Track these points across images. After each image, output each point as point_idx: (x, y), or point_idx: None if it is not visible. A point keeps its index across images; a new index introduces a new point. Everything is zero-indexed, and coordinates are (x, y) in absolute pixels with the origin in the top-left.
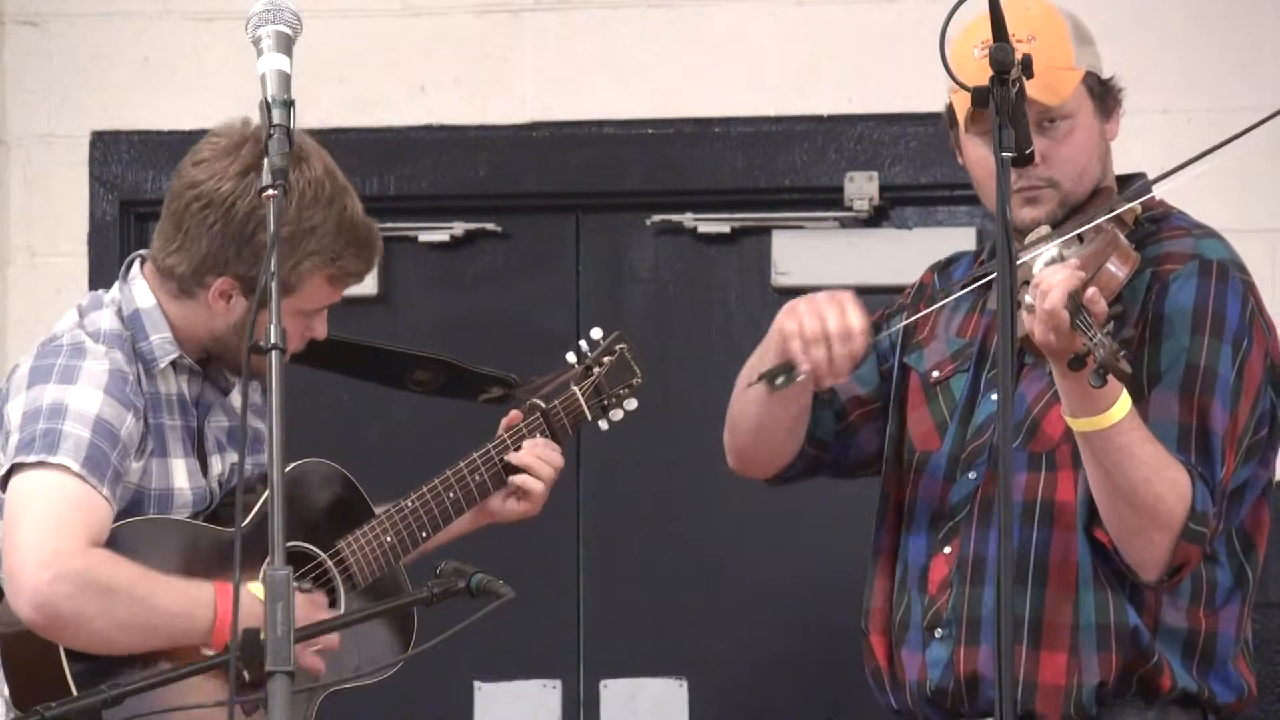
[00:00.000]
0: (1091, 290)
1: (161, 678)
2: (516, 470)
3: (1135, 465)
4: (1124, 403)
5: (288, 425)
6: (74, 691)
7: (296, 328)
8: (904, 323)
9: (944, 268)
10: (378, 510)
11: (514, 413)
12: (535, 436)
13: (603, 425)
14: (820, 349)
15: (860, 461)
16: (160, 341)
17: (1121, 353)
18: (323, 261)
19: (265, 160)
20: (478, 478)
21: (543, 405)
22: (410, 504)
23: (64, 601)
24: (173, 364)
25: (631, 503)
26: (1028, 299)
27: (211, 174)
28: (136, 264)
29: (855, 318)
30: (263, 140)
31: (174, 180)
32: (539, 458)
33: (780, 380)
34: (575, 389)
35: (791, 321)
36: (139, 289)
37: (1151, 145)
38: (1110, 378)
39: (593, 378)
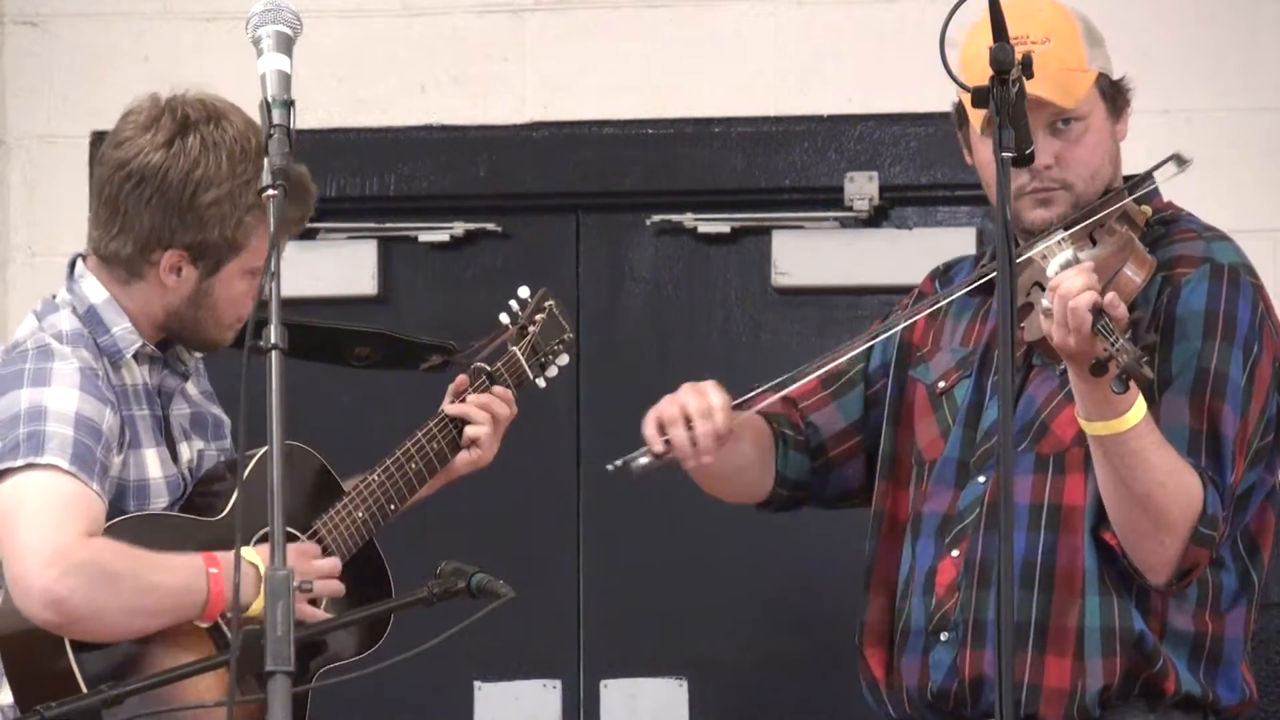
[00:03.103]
0: (1111, 295)
1: (162, 678)
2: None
3: (1149, 469)
4: (1139, 407)
5: (252, 409)
6: (84, 689)
7: (250, 288)
8: (897, 327)
9: (944, 273)
10: (346, 486)
11: (460, 377)
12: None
13: (540, 383)
14: (679, 429)
15: (842, 494)
16: (122, 333)
17: (1144, 358)
18: (263, 213)
19: (265, 160)
20: (435, 446)
21: (487, 368)
22: (377, 478)
23: (75, 595)
24: (134, 354)
25: (631, 503)
26: (1045, 302)
27: (137, 150)
28: (79, 262)
29: (715, 397)
30: (178, 114)
31: (99, 168)
32: (475, 405)
33: (639, 465)
34: (514, 349)
35: (652, 412)
36: (89, 285)
37: (1152, 145)
38: (1131, 382)
39: (528, 337)
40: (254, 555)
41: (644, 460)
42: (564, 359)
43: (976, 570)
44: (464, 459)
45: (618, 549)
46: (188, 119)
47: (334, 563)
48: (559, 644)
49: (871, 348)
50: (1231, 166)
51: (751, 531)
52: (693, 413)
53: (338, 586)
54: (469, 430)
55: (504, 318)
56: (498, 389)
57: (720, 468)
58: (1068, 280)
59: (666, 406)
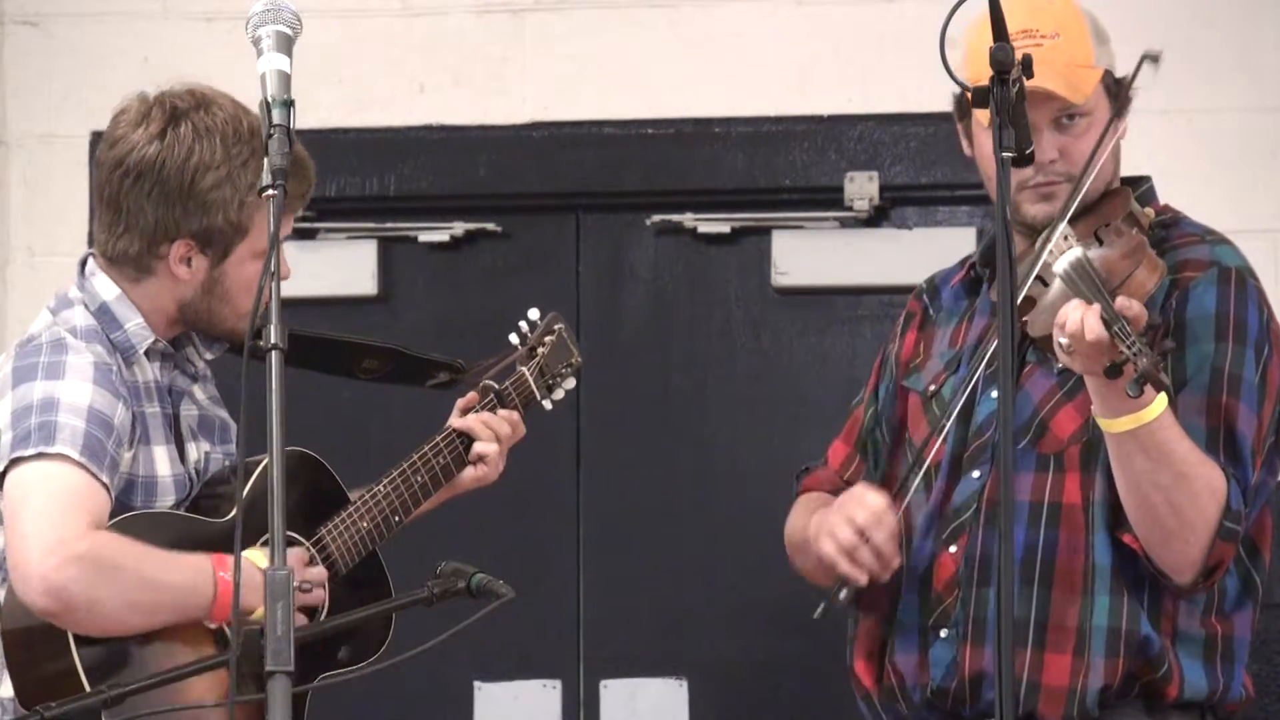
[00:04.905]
0: (1122, 298)
1: (162, 678)
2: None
3: (1173, 461)
4: (1161, 399)
5: (257, 413)
6: (86, 686)
7: (261, 270)
8: (896, 344)
9: (931, 289)
10: (352, 496)
11: (470, 394)
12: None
13: (547, 405)
14: (863, 551)
15: None
16: (135, 328)
17: (1161, 363)
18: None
19: (265, 160)
20: (441, 460)
21: (496, 386)
22: (383, 489)
23: (74, 585)
24: (146, 351)
25: (631, 503)
26: (1062, 341)
27: (130, 146)
28: (90, 260)
29: (874, 499)
30: (167, 107)
31: (96, 171)
32: (483, 423)
33: (844, 596)
34: (523, 369)
35: (829, 544)
36: (100, 282)
37: (1153, 145)
38: (1146, 387)
39: (537, 358)
40: (258, 556)
41: (844, 594)
42: (571, 383)
43: (976, 566)
44: (470, 475)
45: (618, 549)
46: (176, 109)
47: (321, 571)
48: (559, 644)
49: (876, 387)
50: (1232, 167)
51: (752, 532)
52: (864, 526)
53: (319, 596)
54: (476, 447)
55: (513, 338)
56: (504, 412)
57: None
58: (1072, 316)
59: (843, 533)
